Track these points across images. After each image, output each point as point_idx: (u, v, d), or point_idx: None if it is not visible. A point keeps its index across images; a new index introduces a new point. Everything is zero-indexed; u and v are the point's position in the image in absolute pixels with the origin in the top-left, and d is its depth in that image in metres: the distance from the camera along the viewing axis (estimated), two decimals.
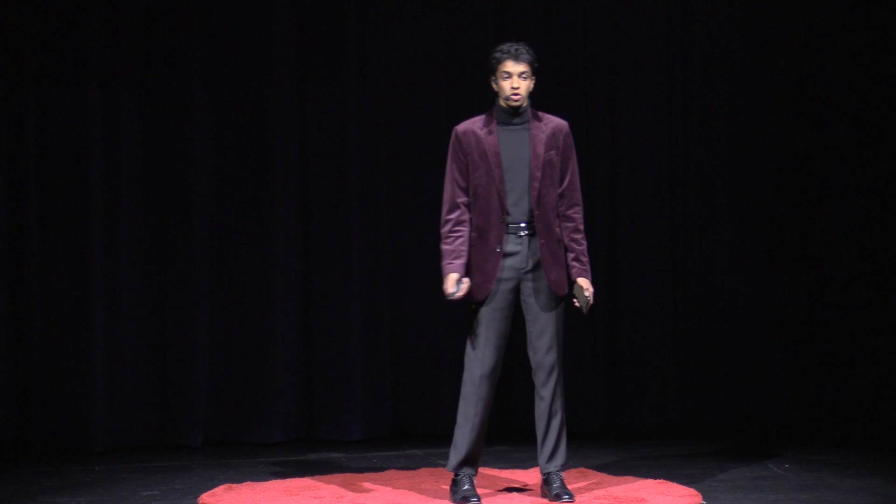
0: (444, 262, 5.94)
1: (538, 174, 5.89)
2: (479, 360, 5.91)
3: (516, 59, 5.89)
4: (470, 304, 5.97)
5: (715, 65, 8.65)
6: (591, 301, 5.94)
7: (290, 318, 8.10)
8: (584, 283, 5.94)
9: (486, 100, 8.21)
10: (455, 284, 5.88)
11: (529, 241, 5.91)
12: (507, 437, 7.80)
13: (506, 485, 6.37)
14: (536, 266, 5.92)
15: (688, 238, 8.62)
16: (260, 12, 8.05)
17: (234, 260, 8.05)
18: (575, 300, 5.96)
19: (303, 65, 8.13)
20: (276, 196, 8.07)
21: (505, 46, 5.94)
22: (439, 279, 8.19)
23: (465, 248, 5.94)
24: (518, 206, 5.91)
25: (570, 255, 5.97)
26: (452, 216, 5.97)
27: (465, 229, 5.96)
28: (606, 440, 8.00)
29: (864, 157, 8.68)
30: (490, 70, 5.96)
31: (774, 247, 8.68)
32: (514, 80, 5.89)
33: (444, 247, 5.96)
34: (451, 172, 6.00)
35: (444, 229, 5.98)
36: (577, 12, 8.46)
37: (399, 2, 8.29)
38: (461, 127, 6.00)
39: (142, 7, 7.86)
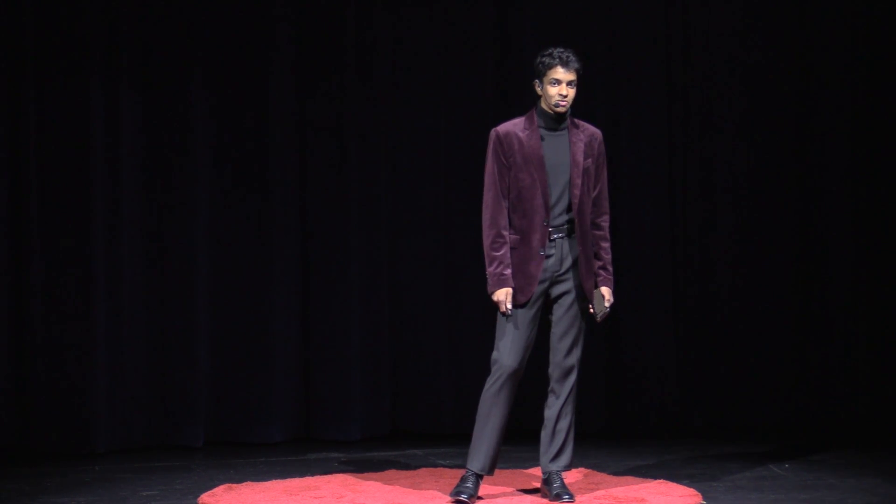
0: (494, 268, 5.87)
1: (578, 181, 5.89)
2: (505, 362, 5.89)
3: (566, 66, 5.85)
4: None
5: (715, 65, 8.65)
6: (609, 312, 5.96)
7: (289, 318, 8.10)
8: (606, 292, 5.98)
9: (484, 102, 8.28)
10: (511, 298, 5.84)
11: (562, 245, 5.92)
12: (508, 436, 7.77)
13: (508, 484, 6.37)
14: (568, 269, 5.94)
15: (688, 238, 8.63)
16: (260, 10, 8.04)
17: (234, 260, 8.05)
18: (591, 307, 5.97)
19: (303, 64, 8.12)
20: (276, 195, 8.07)
21: (555, 52, 5.88)
22: (439, 279, 8.26)
23: (509, 255, 5.89)
24: (555, 210, 5.90)
25: (598, 264, 6.01)
26: (499, 219, 5.89)
27: (507, 234, 5.91)
28: (607, 440, 7.99)
29: (864, 157, 8.68)
30: (536, 73, 5.91)
31: (774, 247, 8.68)
32: (563, 87, 5.85)
33: (493, 252, 5.89)
34: (493, 174, 5.92)
35: (491, 231, 5.90)
36: (576, 13, 8.45)
37: (398, 2, 8.28)
38: (502, 129, 5.94)
39: (143, 3, 7.86)
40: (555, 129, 5.93)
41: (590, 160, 5.94)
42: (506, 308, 5.85)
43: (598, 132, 6.03)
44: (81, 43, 7.71)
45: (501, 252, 5.88)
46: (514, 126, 5.94)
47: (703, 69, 8.64)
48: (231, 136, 8.05)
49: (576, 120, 6.01)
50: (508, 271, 5.87)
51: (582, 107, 8.29)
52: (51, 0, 7.69)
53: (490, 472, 6.00)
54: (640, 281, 8.47)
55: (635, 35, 8.53)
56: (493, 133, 5.95)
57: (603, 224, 6.03)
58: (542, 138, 5.90)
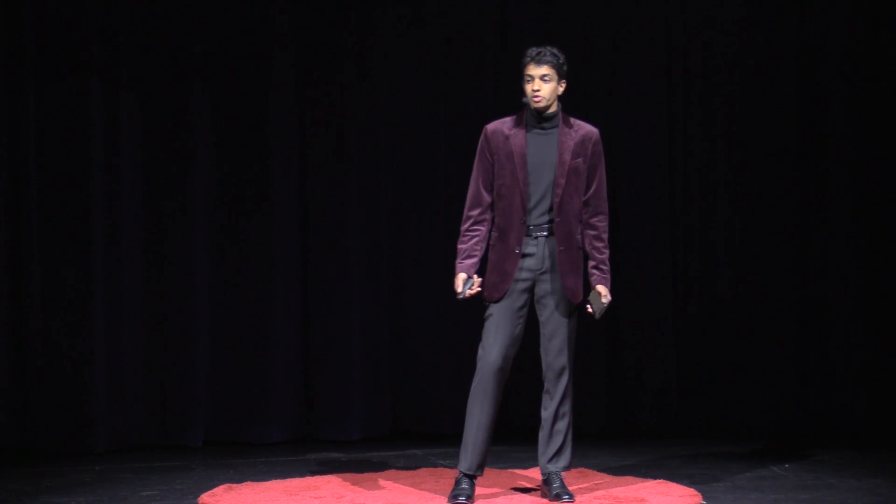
0: (457, 260, 5.96)
1: (562, 181, 5.89)
2: (487, 358, 5.92)
3: (538, 62, 5.90)
4: (485, 303, 5.98)
5: (715, 66, 8.65)
6: (606, 308, 5.93)
7: (289, 317, 8.10)
8: (602, 289, 5.95)
9: (484, 100, 8.27)
10: (463, 284, 5.89)
11: (546, 244, 5.92)
12: (507, 437, 7.79)
13: (507, 485, 6.37)
14: (551, 268, 5.93)
15: (688, 238, 8.63)
16: (260, 11, 8.04)
17: (233, 260, 8.05)
18: (588, 306, 5.96)
19: (303, 64, 8.13)
20: (276, 195, 8.07)
21: (530, 50, 5.95)
22: (439, 278, 8.26)
23: (479, 247, 5.96)
24: (538, 208, 5.91)
25: (591, 263, 5.98)
26: (473, 214, 6.00)
27: (482, 229, 5.98)
28: (607, 440, 8.00)
29: (864, 157, 8.68)
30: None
31: (774, 247, 8.68)
32: (536, 82, 5.90)
33: (459, 245, 5.98)
34: (476, 170, 6.01)
35: (463, 227, 6.00)
36: (577, 14, 8.45)
37: (398, 2, 8.28)
38: (491, 126, 6.01)
39: (142, 4, 7.86)
40: (543, 128, 5.94)
41: (580, 159, 5.93)
42: (458, 293, 5.89)
43: (594, 131, 6.02)
44: (81, 45, 7.70)
45: (465, 245, 5.96)
46: (503, 124, 5.99)
47: (704, 68, 8.64)
48: (231, 137, 8.05)
49: (571, 119, 6.00)
50: (468, 261, 5.92)
51: (582, 106, 8.33)
52: (50, 2, 7.69)
53: (478, 470, 5.97)
54: (640, 281, 8.47)
55: (635, 35, 8.53)
56: (483, 130, 6.02)
57: (598, 224, 6.00)
58: (527, 137, 5.92)
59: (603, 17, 8.48)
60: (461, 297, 5.92)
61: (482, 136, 6.00)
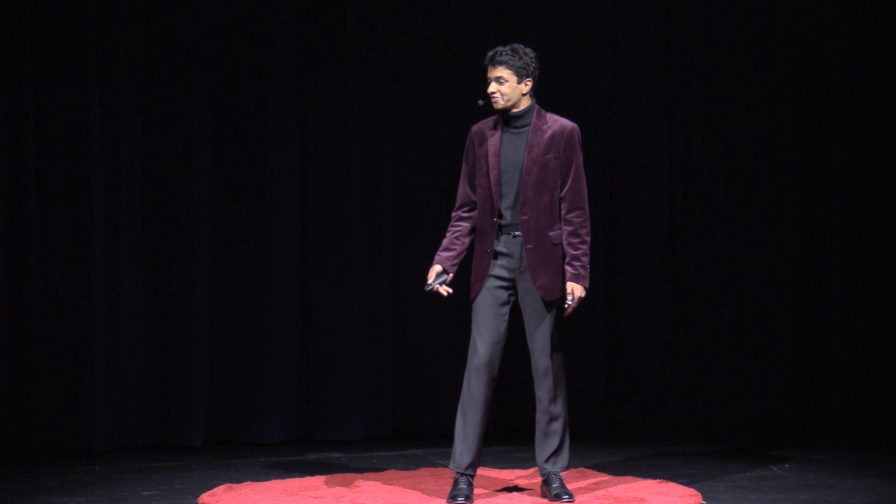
0: (436, 253, 6.03)
1: (528, 178, 5.89)
2: (475, 355, 5.92)
3: (493, 63, 5.93)
4: (469, 303, 6.01)
5: (715, 63, 8.65)
6: (573, 305, 5.85)
7: (290, 318, 8.10)
8: (569, 286, 5.88)
9: (485, 98, 8.27)
10: (436, 276, 5.97)
11: (520, 243, 5.92)
12: (507, 437, 7.80)
13: (505, 485, 6.37)
14: (526, 269, 5.92)
15: (687, 238, 8.63)
16: (260, 11, 8.05)
17: (233, 260, 8.05)
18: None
19: (303, 64, 8.13)
20: (276, 196, 8.07)
21: (488, 52, 5.97)
22: None
23: (459, 241, 6.03)
24: (513, 208, 5.91)
25: (566, 259, 5.93)
26: (457, 212, 6.08)
27: (465, 224, 6.04)
28: (606, 440, 8.00)
29: (864, 154, 8.69)
30: None
31: (774, 246, 8.69)
32: (492, 85, 5.92)
33: (442, 240, 6.06)
34: (462, 170, 6.08)
35: (450, 223, 6.09)
36: (577, 12, 8.46)
37: (398, 1, 8.29)
38: (475, 126, 6.06)
39: (142, 6, 7.86)
40: (516, 128, 5.95)
41: (551, 155, 5.90)
42: (427, 284, 5.98)
43: (567, 125, 5.95)
44: (80, 46, 7.70)
45: (446, 239, 6.06)
46: (486, 124, 6.04)
47: (704, 65, 8.64)
48: (231, 137, 8.05)
49: (548, 115, 5.97)
50: (444, 254, 6.02)
51: (582, 105, 8.35)
52: (50, 4, 7.69)
53: (469, 469, 5.93)
54: (639, 280, 8.48)
55: (636, 31, 8.54)
56: (469, 130, 6.07)
57: (574, 220, 5.91)
58: (502, 137, 5.94)
59: (603, 17, 8.48)
60: (428, 288, 5.99)
61: (468, 137, 6.05)
